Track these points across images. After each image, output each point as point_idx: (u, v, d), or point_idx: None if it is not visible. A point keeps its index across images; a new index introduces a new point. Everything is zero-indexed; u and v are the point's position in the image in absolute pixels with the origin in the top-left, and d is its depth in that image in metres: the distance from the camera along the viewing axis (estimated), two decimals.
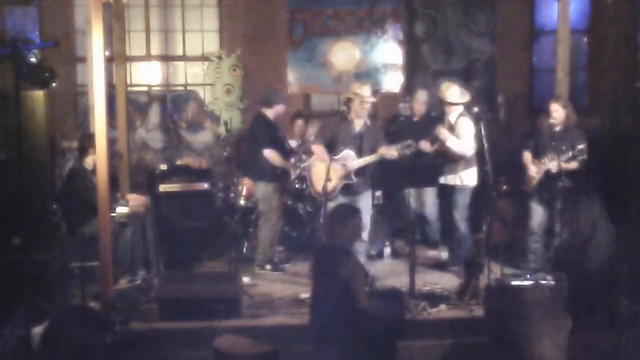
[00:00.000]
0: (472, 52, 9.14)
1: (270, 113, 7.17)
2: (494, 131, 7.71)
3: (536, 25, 9.50)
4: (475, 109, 7.02)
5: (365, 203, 6.54)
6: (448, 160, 6.91)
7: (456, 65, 9.15)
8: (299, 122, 8.12)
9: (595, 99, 9.39)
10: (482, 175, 6.82)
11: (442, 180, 7.03)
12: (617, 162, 7.87)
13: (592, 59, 9.49)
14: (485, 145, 6.63)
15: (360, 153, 6.49)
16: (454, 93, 6.96)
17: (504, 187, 7.59)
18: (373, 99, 6.66)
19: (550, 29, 8.91)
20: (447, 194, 7.09)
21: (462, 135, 6.81)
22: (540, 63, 9.43)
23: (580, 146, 6.23)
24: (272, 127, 7.19)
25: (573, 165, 6.34)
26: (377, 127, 6.83)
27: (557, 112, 6.47)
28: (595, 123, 8.90)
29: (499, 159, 7.05)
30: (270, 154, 7.04)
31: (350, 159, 6.45)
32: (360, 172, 6.50)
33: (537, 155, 6.64)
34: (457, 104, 6.93)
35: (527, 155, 6.72)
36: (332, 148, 6.44)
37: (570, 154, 6.27)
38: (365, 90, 6.53)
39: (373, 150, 6.49)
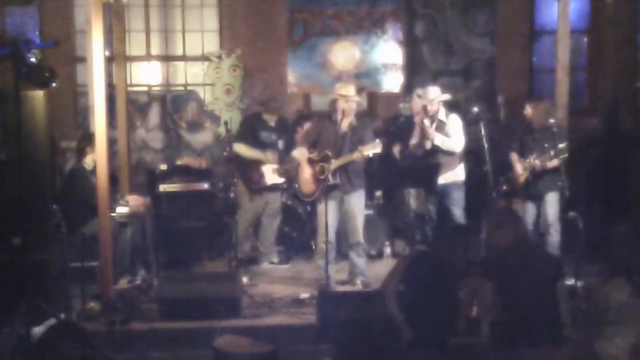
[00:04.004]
0: (472, 52, 9.13)
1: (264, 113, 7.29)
2: (494, 131, 7.71)
3: (536, 25, 9.50)
4: (475, 109, 7.04)
5: (356, 204, 6.47)
6: (443, 158, 6.91)
7: (456, 65, 9.14)
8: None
9: (595, 99, 9.38)
10: (482, 175, 6.84)
11: (440, 179, 6.94)
12: (617, 162, 7.87)
13: (592, 59, 9.49)
14: (485, 145, 6.67)
15: (339, 152, 6.35)
16: (436, 91, 7.04)
17: (504, 187, 7.59)
18: (357, 98, 6.58)
19: (550, 29, 8.90)
20: (445, 192, 7.02)
21: (454, 132, 6.89)
22: (540, 63, 9.43)
23: (561, 145, 6.38)
24: (257, 122, 7.24)
25: (554, 162, 6.50)
26: (365, 125, 6.58)
27: (530, 114, 6.83)
28: (595, 123, 8.91)
29: (499, 159, 7.07)
30: (239, 148, 7.12)
31: (327, 159, 6.35)
32: (339, 172, 6.36)
33: (523, 155, 6.87)
34: (441, 101, 7.00)
35: (513, 156, 6.98)
36: (315, 150, 6.45)
37: (552, 152, 6.47)
38: (350, 90, 6.48)
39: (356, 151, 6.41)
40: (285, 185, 7.41)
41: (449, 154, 6.90)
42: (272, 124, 7.25)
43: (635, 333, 4.52)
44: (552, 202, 6.70)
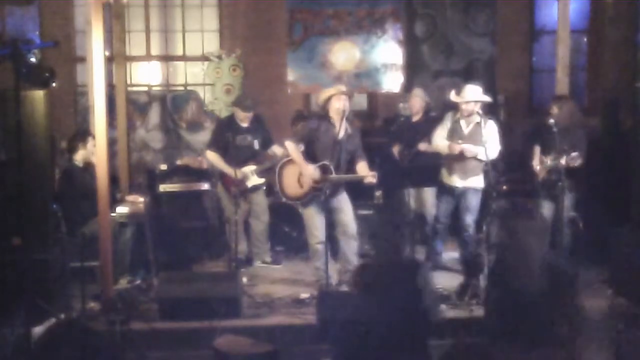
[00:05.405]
0: (472, 52, 9.13)
1: (237, 113, 7.21)
2: None
3: (536, 25, 9.51)
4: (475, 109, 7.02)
5: (345, 205, 6.43)
6: (470, 162, 6.79)
7: (456, 65, 9.14)
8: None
9: (595, 99, 9.39)
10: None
11: (460, 183, 6.88)
12: (617, 162, 7.87)
13: (592, 59, 9.50)
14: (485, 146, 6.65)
15: (338, 161, 6.31)
16: (475, 91, 6.80)
17: (504, 187, 7.58)
18: (350, 94, 6.47)
19: (550, 29, 8.92)
20: (463, 196, 6.93)
21: (490, 139, 6.64)
22: (540, 63, 9.44)
23: (575, 153, 6.30)
24: (230, 127, 7.13)
25: (577, 163, 6.35)
26: (357, 137, 6.53)
27: (555, 113, 6.61)
28: (595, 123, 8.91)
29: (499, 159, 7.05)
30: (211, 156, 7.15)
31: (328, 171, 6.26)
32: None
33: (543, 152, 6.76)
34: (478, 102, 6.78)
35: (536, 150, 6.84)
36: (310, 152, 6.36)
37: (566, 156, 6.31)
38: (344, 88, 6.45)
39: (350, 161, 6.38)
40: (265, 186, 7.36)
41: (478, 159, 6.74)
42: (246, 125, 7.17)
43: None
44: (568, 202, 6.58)
